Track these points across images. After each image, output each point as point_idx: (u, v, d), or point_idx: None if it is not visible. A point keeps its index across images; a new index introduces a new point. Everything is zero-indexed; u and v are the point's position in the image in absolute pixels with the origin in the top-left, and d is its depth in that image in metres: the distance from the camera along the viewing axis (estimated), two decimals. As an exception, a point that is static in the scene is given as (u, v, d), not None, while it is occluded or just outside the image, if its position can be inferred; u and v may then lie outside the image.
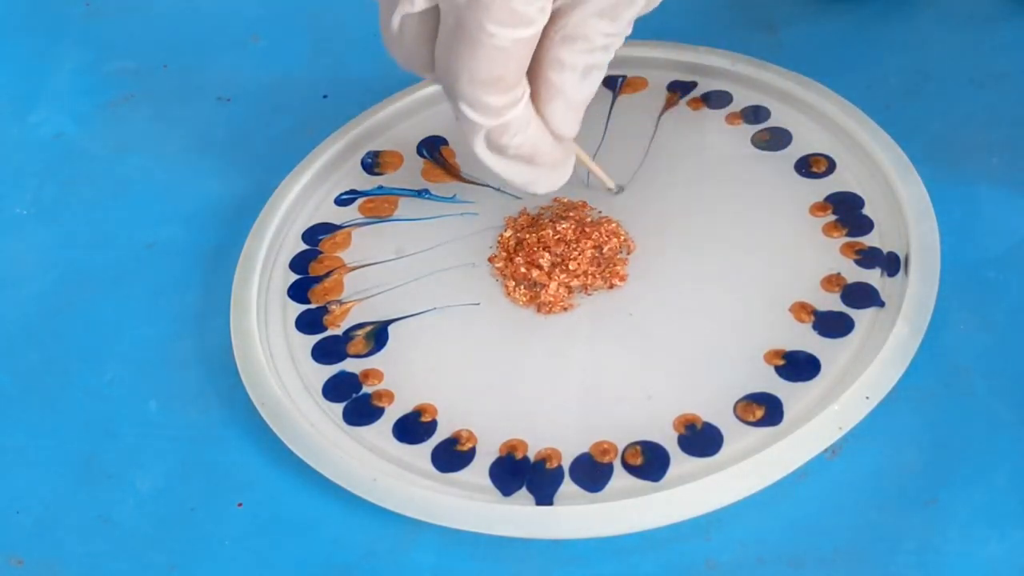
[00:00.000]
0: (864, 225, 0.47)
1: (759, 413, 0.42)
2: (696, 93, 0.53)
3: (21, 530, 0.44)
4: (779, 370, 0.43)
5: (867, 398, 0.41)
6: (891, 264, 0.46)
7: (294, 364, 0.46)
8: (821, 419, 0.41)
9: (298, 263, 0.50)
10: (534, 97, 0.42)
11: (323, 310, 0.48)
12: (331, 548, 0.42)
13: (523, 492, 0.41)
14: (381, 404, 0.45)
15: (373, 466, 0.42)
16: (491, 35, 0.39)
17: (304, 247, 0.50)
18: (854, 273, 0.46)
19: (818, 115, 0.51)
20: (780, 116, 0.52)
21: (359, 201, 0.52)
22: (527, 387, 0.44)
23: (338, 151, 0.53)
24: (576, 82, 0.42)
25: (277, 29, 0.62)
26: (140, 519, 0.43)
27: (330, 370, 0.46)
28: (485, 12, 0.38)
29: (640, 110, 0.53)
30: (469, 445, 0.43)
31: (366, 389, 0.45)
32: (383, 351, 0.46)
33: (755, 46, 0.54)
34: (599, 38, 0.41)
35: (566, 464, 0.42)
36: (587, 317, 0.46)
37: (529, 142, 0.43)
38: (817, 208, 0.48)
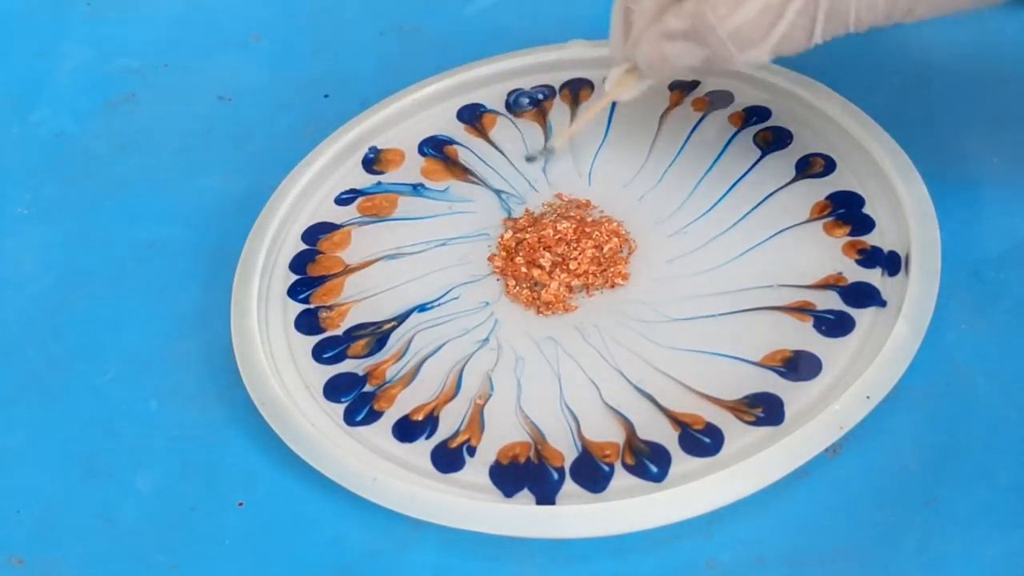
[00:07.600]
0: (865, 225, 0.47)
1: (760, 413, 0.42)
2: (699, 92, 0.53)
3: (21, 530, 0.44)
4: (780, 370, 0.43)
5: (868, 398, 0.41)
6: (892, 263, 0.46)
7: (294, 364, 0.46)
8: (822, 419, 0.41)
9: (298, 263, 0.50)
10: None
11: (323, 310, 0.48)
12: (331, 548, 0.42)
13: (524, 492, 0.41)
14: (381, 404, 0.44)
15: (373, 466, 0.42)
16: None
17: (304, 247, 0.50)
18: (855, 272, 0.46)
19: (819, 115, 0.51)
20: (781, 116, 0.52)
21: (359, 200, 0.52)
22: (528, 387, 0.44)
23: (338, 151, 0.53)
24: None
25: (278, 28, 0.62)
26: (140, 519, 0.43)
27: (330, 370, 0.46)
28: None
29: (643, 109, 0.53)
30: (469, 445, 0.43)
31: (366, 389, 0.45)
32: (383, 351, 0.46)
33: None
34: None
35: (567, 464, 0.42)
36: (588, 317, 0.46)
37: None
38: (818, 208, 0.48)
